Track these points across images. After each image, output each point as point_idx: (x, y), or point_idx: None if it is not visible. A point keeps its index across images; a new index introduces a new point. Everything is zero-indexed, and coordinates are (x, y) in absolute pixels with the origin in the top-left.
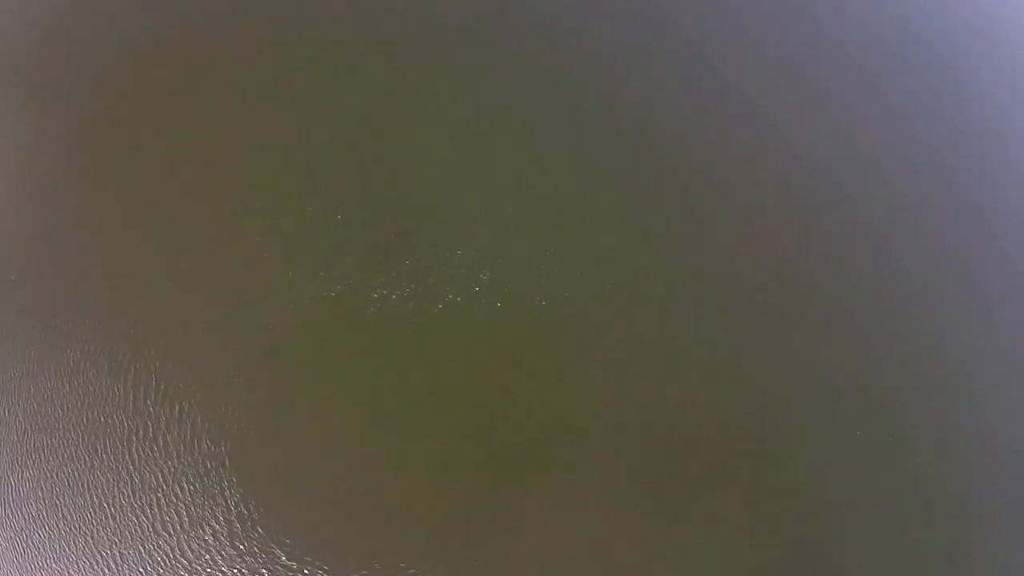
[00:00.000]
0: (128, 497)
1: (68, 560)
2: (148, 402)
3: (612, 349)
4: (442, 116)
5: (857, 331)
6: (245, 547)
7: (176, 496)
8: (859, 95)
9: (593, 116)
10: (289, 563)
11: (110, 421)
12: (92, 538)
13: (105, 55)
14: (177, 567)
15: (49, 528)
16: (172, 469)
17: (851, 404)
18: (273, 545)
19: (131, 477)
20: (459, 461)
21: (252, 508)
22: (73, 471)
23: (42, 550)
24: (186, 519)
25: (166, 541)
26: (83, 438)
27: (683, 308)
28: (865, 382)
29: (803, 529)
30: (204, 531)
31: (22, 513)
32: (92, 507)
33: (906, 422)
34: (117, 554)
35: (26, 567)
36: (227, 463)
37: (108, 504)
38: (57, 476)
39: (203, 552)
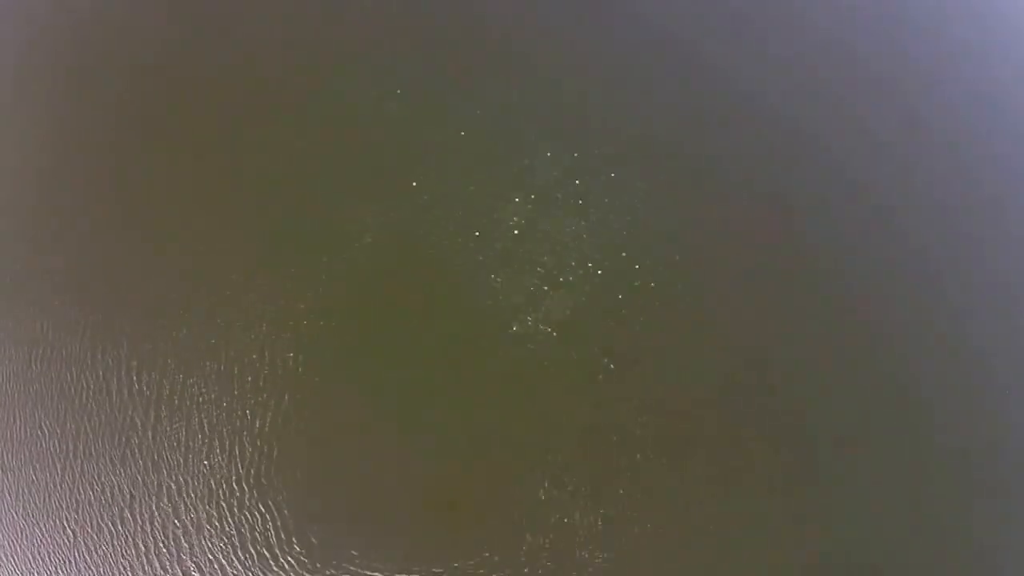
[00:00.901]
0: (126, 511)
1: None
2: (145, 394)
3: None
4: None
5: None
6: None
7: (185, 511)
8: (869, 87)
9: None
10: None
11: (102, 422)
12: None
13: (123, 57)
14: None
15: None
16: (180, 478)
17: (885, 414)
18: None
19: (133, 482)
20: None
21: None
22: (62, 482)
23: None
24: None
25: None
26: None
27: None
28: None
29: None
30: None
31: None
32: (82, 524)
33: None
34: None
35: None
36: (247, 470)
37: (101, 517)
38: (48, 487)
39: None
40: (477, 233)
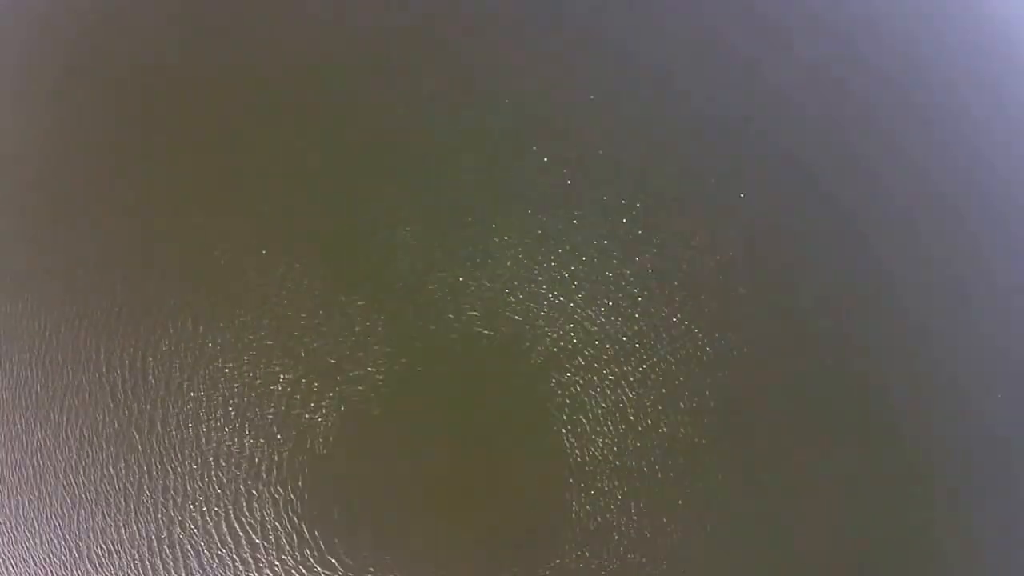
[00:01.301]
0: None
1: None
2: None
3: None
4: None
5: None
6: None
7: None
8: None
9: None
10: None
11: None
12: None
13: (125, 55)
14: None
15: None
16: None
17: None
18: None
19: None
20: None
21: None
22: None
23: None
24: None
25: None
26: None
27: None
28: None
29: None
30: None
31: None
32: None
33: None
34: None
35: None
36: (255, 476)
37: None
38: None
39: None
40: (482, 232)
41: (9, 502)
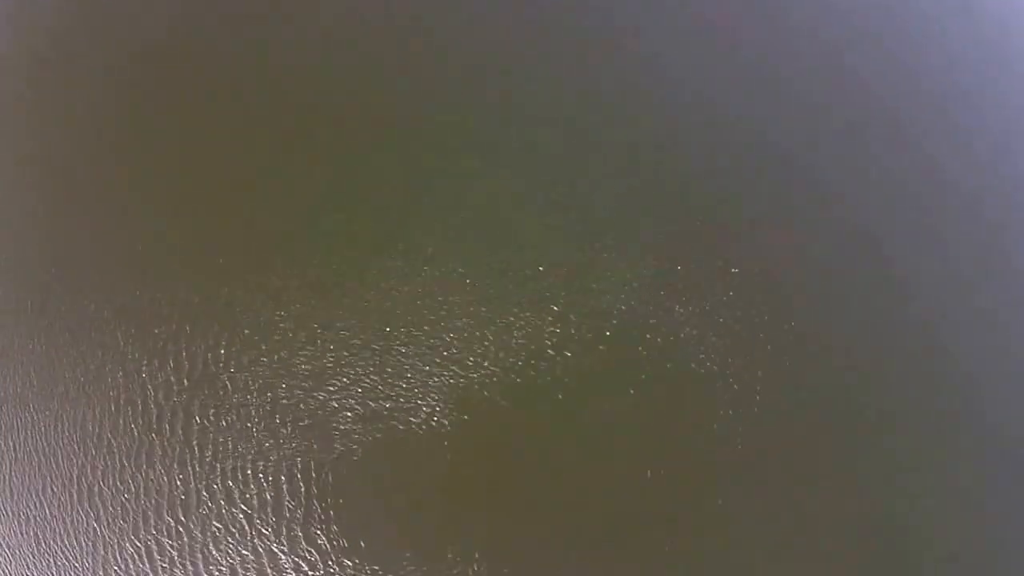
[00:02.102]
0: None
1: None
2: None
3: None
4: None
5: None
6: None
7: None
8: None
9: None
10: None
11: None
12: None
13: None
14: None
15: None
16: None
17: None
18: None
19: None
20: None
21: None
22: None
23: None
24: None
25: None
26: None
27: None
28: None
29: None
30: None
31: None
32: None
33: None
34: None
35: None
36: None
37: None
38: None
39: None
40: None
41: (18, 518)
